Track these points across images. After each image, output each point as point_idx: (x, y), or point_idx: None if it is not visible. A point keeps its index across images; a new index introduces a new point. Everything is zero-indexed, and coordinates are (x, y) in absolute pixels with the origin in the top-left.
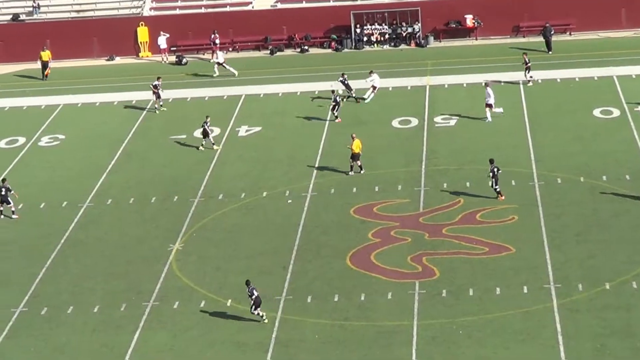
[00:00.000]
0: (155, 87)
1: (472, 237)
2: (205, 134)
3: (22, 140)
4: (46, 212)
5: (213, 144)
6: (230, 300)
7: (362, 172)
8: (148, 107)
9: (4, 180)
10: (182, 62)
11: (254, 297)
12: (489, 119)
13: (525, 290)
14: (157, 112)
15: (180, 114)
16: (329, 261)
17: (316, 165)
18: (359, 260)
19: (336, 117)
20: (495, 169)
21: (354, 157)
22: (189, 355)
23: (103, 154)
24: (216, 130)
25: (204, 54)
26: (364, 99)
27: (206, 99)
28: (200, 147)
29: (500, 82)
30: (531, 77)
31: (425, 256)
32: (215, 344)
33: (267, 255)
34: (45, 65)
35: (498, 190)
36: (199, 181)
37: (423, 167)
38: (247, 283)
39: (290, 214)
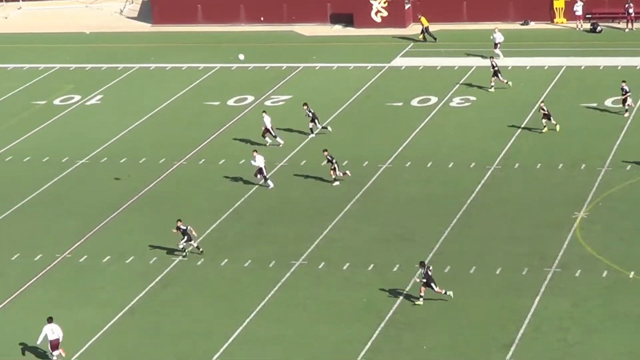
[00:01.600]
0: (492, 65)
1: None
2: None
3: (434, 99)
4: (454, 172)
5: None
6: (632, 273)
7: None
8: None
9: (325, 150)
10: (597, 30)
11: (426, 279)
12: None
13: None
14: (490, 90)
15: (593, 82)
16: None
17: None
18: None
19: None
20: None
21: None
22: (588, 325)
23: (510, 118)
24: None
25: (619, 23)
26: None
27: (619, 68)
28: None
29: None
30: None
31: None
32: (616, 315)
33: None
34: (424, 29)
35: None
36: (608, 150)
37: None
38: (422, 264)
39: None
